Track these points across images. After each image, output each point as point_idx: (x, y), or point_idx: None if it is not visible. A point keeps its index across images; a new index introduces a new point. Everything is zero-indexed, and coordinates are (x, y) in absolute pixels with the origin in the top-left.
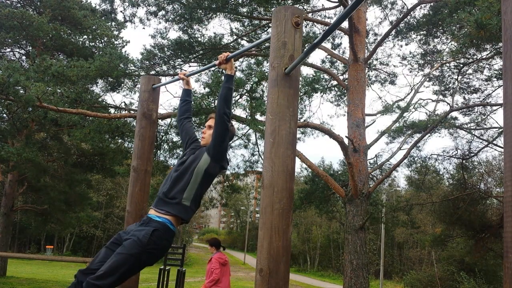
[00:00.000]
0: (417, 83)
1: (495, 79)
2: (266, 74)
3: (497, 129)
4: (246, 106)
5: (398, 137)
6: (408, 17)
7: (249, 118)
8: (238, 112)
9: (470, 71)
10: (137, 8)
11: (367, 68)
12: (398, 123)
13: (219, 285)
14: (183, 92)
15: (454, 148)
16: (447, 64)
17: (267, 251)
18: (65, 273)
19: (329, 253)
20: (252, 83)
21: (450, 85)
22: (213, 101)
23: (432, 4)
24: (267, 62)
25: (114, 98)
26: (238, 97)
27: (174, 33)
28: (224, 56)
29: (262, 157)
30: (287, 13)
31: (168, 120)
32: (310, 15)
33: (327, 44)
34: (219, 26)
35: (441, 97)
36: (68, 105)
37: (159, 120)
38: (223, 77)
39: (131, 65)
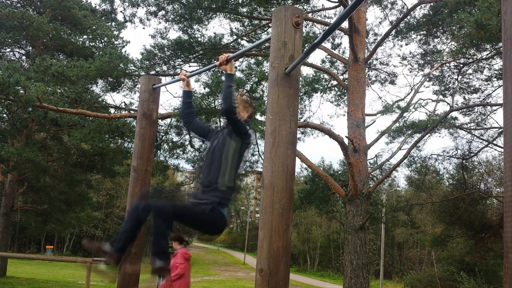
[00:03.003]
0: (417, 83)
1: (495, 79)
2: (266, 74)
3: (497, 129)
4: None
5: (398, 137)
6: (408, 17)
7: None
8: None
9: (470, 71)
10: (137, 8)
11: (367, 68)
12: (398, 123)
13: (184, 279)
14: (184, 94)
15: (454, 148)
16: (447, 64)
17: (267, 251)
18: (65, 273)
19: (329, 253)
20: (252, 83)
21: (450, 85)
22: (213, 101)
23: (432, 4)
24: (267, 62)
25: (114, 98)
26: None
27: (174, 33)
28: (225, 57)
29: (262, 157)
30: (287, 13)
31: (168, 120)
32: (310, 15)
33: (327, 44)
34: (219, 26)
35: (441, 97)
36: (68, 105)
37: (159, 120)
38: (223, 77)
39: (131, 65)
